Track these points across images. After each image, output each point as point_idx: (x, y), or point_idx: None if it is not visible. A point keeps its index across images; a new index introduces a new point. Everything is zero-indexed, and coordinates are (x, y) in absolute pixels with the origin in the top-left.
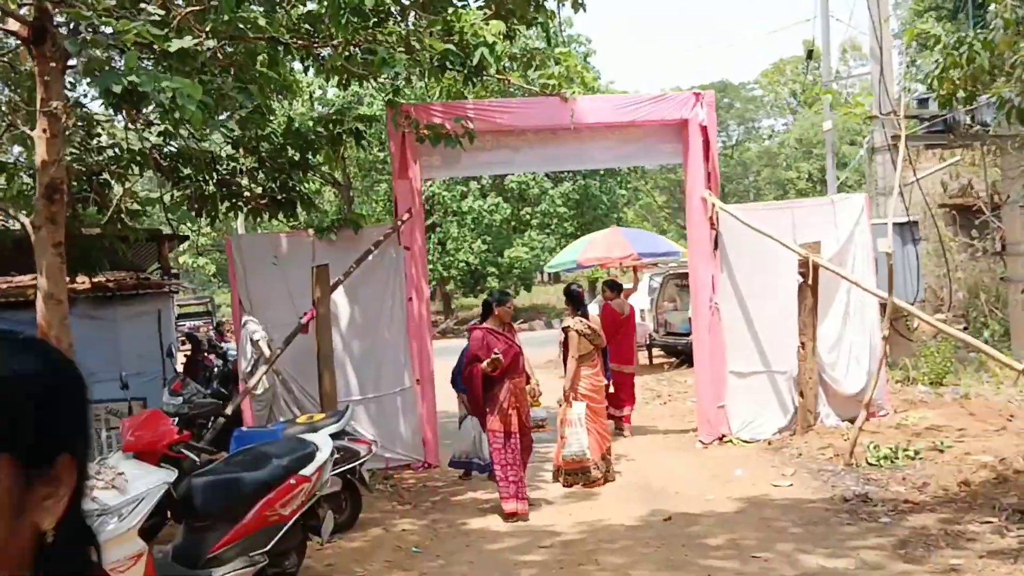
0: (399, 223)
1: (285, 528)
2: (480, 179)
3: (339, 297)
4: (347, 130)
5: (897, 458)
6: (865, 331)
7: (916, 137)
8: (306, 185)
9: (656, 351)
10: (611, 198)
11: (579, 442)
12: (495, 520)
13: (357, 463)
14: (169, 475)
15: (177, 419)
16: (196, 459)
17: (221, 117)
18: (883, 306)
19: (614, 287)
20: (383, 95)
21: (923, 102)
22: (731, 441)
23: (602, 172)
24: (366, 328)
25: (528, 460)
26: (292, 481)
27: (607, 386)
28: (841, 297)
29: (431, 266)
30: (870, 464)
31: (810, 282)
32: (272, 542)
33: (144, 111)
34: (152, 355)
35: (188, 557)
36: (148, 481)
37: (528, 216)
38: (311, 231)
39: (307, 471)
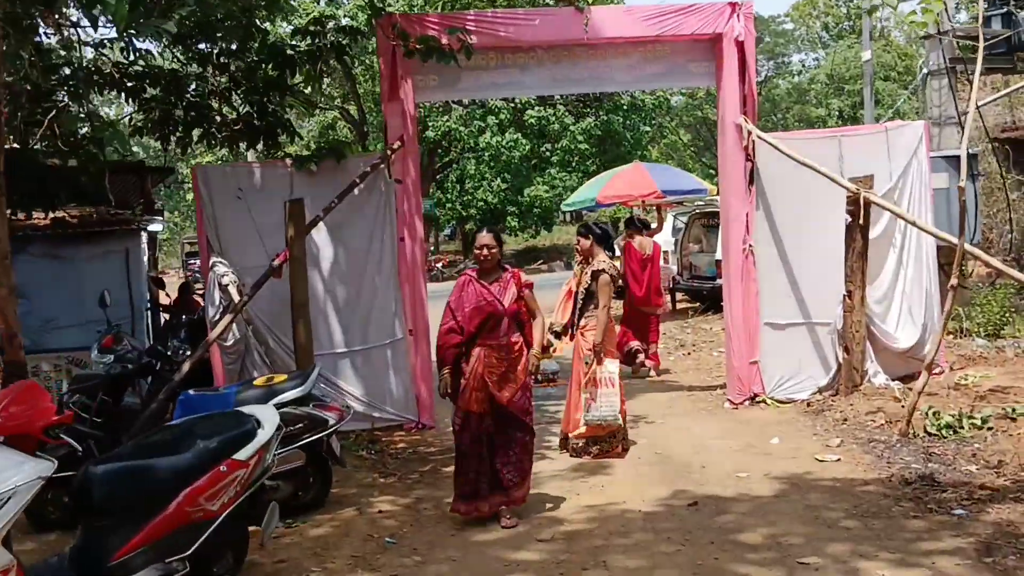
0: (389, 152)
1: (214, 525)
2: (498, 114)
3: (320, 237)
4: (327, 44)
5: (962, 427)
6: (921, 278)
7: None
8: (318, 117)
9: (680, 295)
10: (635, 135)
11: (611, 405)
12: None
13: (324, 433)
14: (44, 467)
15: (107, 380)
16: (77, 448)
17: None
18: (940, 250)
19: (638, 225)
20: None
21: (986, 21)
22: (764, 401)
23: (625, 107)
24: (351, 272)
25: (523, 454)
26: (223, 468)
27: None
28: (895, 239)
29: (449, 205)
30: (930, 434)
31: (860, 221)
32: (195, 544)
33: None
34: (121, 300)
35: (86, 565)
36: (14, 475)
37: (548, 153)
38: (288, 161)
39: (243, 454)
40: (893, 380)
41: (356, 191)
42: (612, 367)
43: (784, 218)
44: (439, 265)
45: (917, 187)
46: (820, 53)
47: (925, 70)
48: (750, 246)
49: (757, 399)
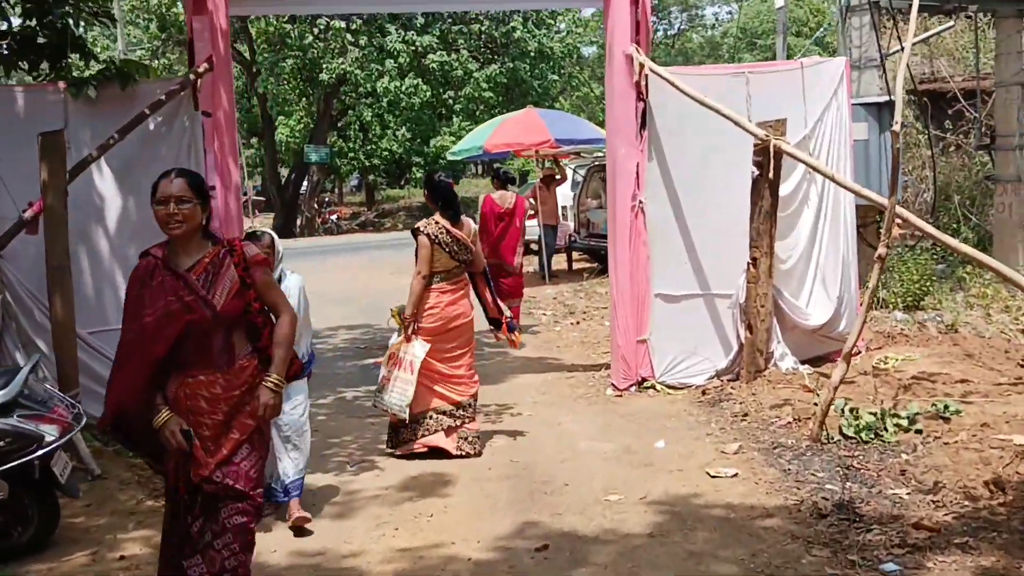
0: (193, 77)
1: None
2: (397, 57)
3: (106, 185)
4: None
5: (885, 429)
6: (838, 243)
7: None
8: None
9: (577, 256)
10: (543, 84)
11: (403, 393)
12: (276, 538)
13: (34, 456)
14: None
15: None
16: None
17: None
18: (856, 210)
19: (501, 178)
20: None
21: None
22: (653, 387)
23: (532, 54)
24: (145, 229)
25: (239, 544)
26: None
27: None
28: (809, 198)
29: (351, 154)
30: (847, 437)
31: (769, 175)
32: None
33: None
34: None
35: None
36: None
37: (451, 101)
38: (62, 85)
39: None
40: (803, 364)
41: (152, 125)
42: (418, 350)
43: (681, 170)
44: (333, 217)
45: (836, 135)
46: (733, 7)
47: (843, 2)
48: (640, 203)
49: (645, 384)
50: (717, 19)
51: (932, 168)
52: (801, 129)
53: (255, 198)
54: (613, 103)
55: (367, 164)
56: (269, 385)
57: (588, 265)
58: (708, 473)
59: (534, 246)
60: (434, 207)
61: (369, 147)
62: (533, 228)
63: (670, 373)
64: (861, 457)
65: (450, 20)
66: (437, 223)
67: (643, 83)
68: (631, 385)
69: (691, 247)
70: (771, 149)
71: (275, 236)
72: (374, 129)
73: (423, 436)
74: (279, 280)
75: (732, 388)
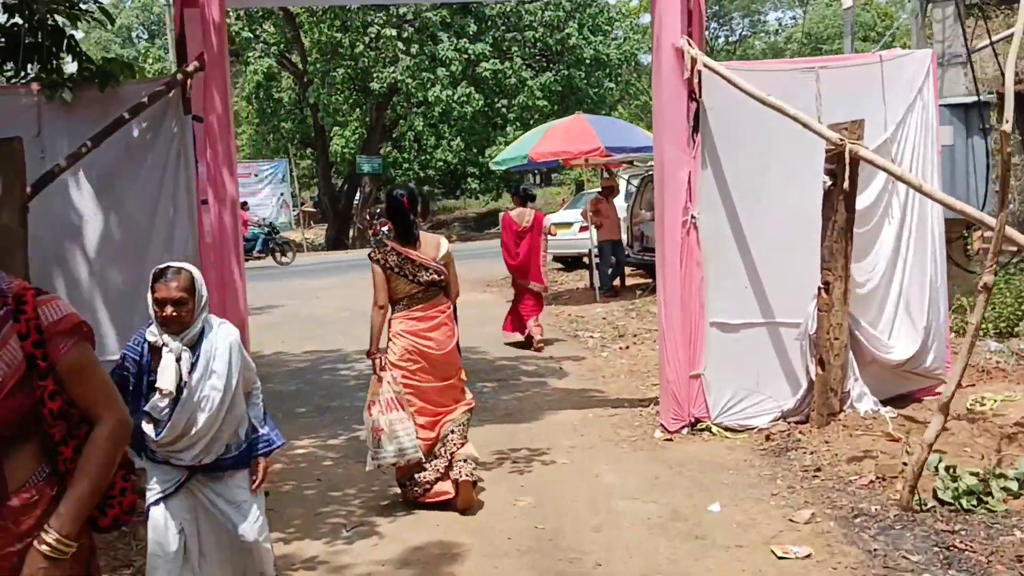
0: (182, 76)
1: None
2: (449, 65)
3: (83, 201)
4: None
5: (991, 494)
6: (924, 265)
7: None
8: (252, 66)
9: (629, 271)
10: (599, 92)
11: (406, 434)
12: None
13: None
14: None
15: None
16: None
17: None
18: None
19: (521, 195)
20: None
21: None
22: (709, 429)
23: (588, 61)
24: (127, 249)
25: None
26: None
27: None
28: (891, 211)
29: (406, 164)
30: (944, 503)
31: (844, 185)
32: None
33: None
34: None
35: None
36: None
37: (504, 109)
38: (35, 87)
39: None
40: (883, 404)
41: (135, 132)
42: (396, 386)
43: (741, 180)
44: (384, 229)
45: (922, 139)
46: (798, 11)
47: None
48: (693, 217)
49: (699, 425)
50: (781, 24)
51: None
52: (880, 132)
53: (310, 210)
54: (661, 104)
55: (422, 174)
56: (43, 549)
57: (642, 281)
58: (774, 552)
59: (585, 260)
60: (393, 228)
61: (424, 157)
62: (576, 240)
63: (728, 413)
64: (964, 533)
65: (504, 27)
66: (386, 245)
67: (695, 80)
68: (683, 426)
69: (752, 268)
70: (847, 155)
71: (196, 274)
72: (428, 139)
73: (427, 490)
74: (200, 335)
75: (801, 433)
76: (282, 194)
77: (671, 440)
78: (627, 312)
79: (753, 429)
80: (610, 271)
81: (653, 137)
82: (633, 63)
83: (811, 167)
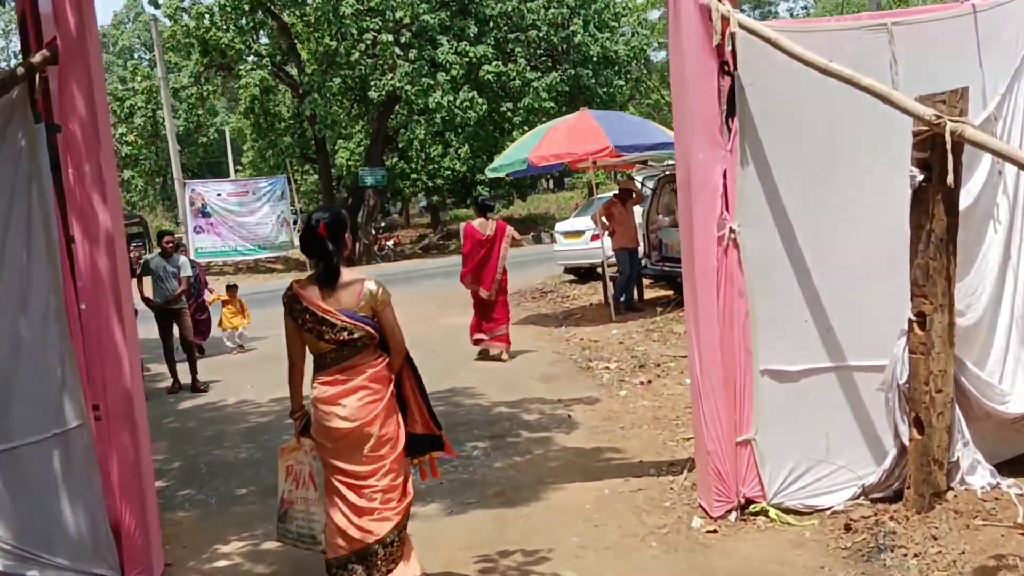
0: (23, 70)
1: None
2: (449, 70)
3: None
4: None
5: None
6: None
7: None
8: (244, 79)
9: (648, 283)
10: (608, 91)
11: (307, 519)
12: None
13: None
14: None
15: None
16: None
17: None
18: None
19: (480, 205)
20: None
21: None
22: (765, 513)
23: (595, 58)
24: None
25: None
26: None
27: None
28: (998, 214)
29: (414, 175)
30: None
31: (947, 180)
32: None
33: None
34: None
35: None
36: None
37: (510, 113)
38: None
39: None
40: (1002, 479)
41: None
42: (305, 461)
43: (795, 179)
44: (389, 243)
45: None
46: (809, 0)
47: None
48: (732, 231)
49: (752, 508)
50: (791, 14)
51: None
52: (979, 108)
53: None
54: (683, 82)
55: (430, 184)
56: None
57: (663, 293)
58: None
59: (598, 271)
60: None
61: (431, 167)
62: (588, 250)
63: (789, 491)
64: None
65: (506, 28)
66: (294, 285)
67: (728, 48)
68: (730, 510)
69: (814, 296)
70: (947, 138)
71: None
72: (433, 148)
73: None
74: None
75: (894, 521)
76: (282, 211)
77: (715, 532)
78: (647, 333)
79: (825, 511)
80: (624, 283)
81: (674, 128)
82: (643, 59)
83: (892, 157)
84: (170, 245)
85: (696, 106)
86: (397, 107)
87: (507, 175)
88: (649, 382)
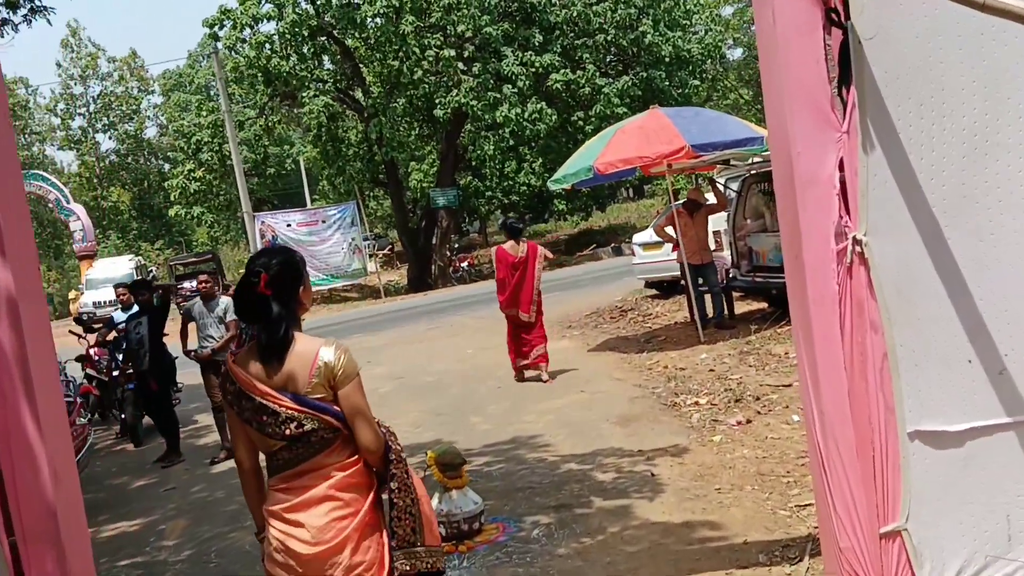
0: None
1: None
2: (515, 81)
3: None
4: None
5: None
6: None
7: None
8: (308, 105)
9: (738, 297)
10: (683, 92)
11: None
12: None
13: None
14: None
15: None
16: None
17: None
18: None
19: (508, 228)
20: None
21: None
22: None
23: (668, 59)
24: None
25: None
26: None
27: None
28: None
29: (488, 192)
30: None
31: None
32: None
33: None
34: None
35: None
36: None
37: (581, 122)
38: None
39: None
40: None
41: None
42: None
43: (942, 166)
44: (464, 265)
45: None
46: None
47: None
48: (856, 242)
49: None
50: None
51: None
52: None
53: (386, 253)
54: (774, 42)
55: (506, 201)
56: None
57: (755, 307)
58: None
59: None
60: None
61: (506, 183)
62: (668, 263)
63: None
64: None
65: (572, 34)
66: (229, 360)
67: None
68: None
69: (977, 327)
70: None
71: None
72: (502, 163)
73: None
74: None
75: None
76: (353, 239)
77: None
78: (741, 357)
79: None
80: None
81: (765, 106)
82: (718, 57)
83: None
84: (205, 287)
85: (794, 73)
86: (466, 124)
87: (572, 186)
88: (748, 421)
